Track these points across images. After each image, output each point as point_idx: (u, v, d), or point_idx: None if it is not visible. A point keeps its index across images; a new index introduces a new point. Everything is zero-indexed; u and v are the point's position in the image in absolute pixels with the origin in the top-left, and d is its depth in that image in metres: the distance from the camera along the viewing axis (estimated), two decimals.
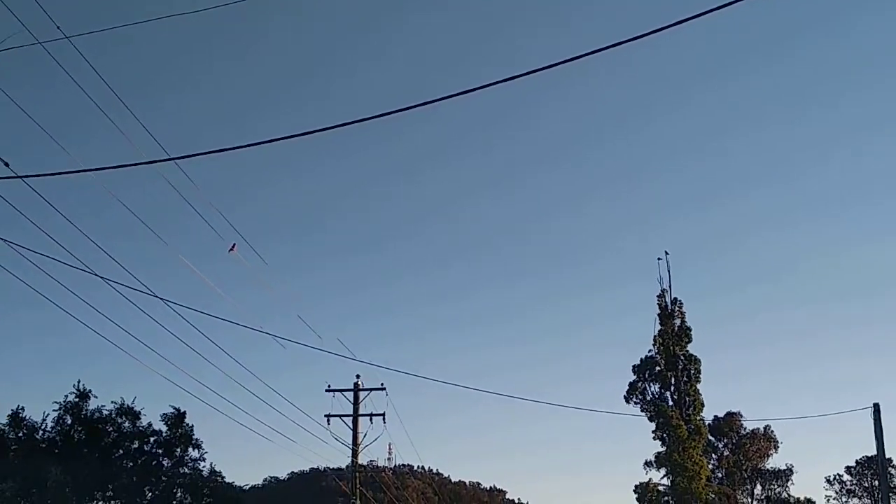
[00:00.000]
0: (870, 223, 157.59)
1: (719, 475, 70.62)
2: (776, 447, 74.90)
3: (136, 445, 44.11)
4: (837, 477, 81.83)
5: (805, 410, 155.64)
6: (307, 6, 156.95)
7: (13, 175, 15.04)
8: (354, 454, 37.49)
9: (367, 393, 37.72)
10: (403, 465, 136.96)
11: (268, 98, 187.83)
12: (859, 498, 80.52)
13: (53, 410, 42.66)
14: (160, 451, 44.53)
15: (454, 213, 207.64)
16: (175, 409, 44.75)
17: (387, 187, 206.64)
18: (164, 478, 44.58)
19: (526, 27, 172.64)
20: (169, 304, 21.15)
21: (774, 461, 75.95)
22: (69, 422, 42.63)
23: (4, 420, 42.06)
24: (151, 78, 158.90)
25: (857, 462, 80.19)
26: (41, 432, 42.40)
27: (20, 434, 41.89)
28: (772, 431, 74.42)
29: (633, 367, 47.38)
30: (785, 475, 75.88)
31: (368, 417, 37.44)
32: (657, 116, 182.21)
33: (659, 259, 47.54)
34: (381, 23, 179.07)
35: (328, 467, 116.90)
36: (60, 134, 17.60)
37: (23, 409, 42.73)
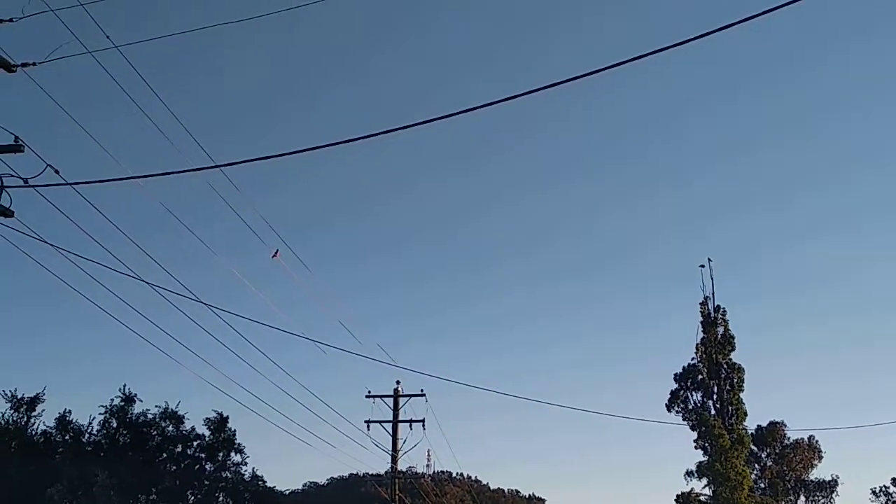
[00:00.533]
0: None
1: (762, 486, 69.62)
2: (820, 457, 73.72)
3: (179, 449, 44.74)
4: (884, 489, 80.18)
5: (851, 420, 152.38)
6: (337, 10, 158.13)
7: (64, 182, 15.41)
8: (394, 460, 37.55)
9: (406, 399, 37.84)
10: (442, 471, 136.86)
11: (293, 98, 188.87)
12: None
13: (100, 414, 43.42)
14: (203, 455, 45.11)
15: (494, 213, 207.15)
16: (218, 413, 45.33)
17: (424, 184, 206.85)
18: (206, 482, 45.16)
19: (564, 27, 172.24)
20: (211, 307, 21.41)
21: (819, 472, 74.73)
22: (115, 425, 43.33)
23: (52, 423, 42.86)
24: (184, 73, 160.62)
25: None
26: (87, 436, 43.13)
27: (67, 437, 42.65)
28: (816, 441, 73.25)
29: (675, 375, 46.97)
30: (830, 486, 74.57)
31: (408, 424, 37.54)
32: (701, 120, 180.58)
33: (702, 266, 47.08)
34: (409, 22, 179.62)
35: (367, 473, 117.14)
36: (91, 126, 17.91)
37: (70, 412, 43.52)
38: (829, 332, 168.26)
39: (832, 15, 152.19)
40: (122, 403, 43.46)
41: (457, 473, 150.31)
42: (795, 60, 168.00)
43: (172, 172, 14.24)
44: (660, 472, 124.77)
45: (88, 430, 43.12)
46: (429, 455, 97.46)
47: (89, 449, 42.27)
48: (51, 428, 42.56)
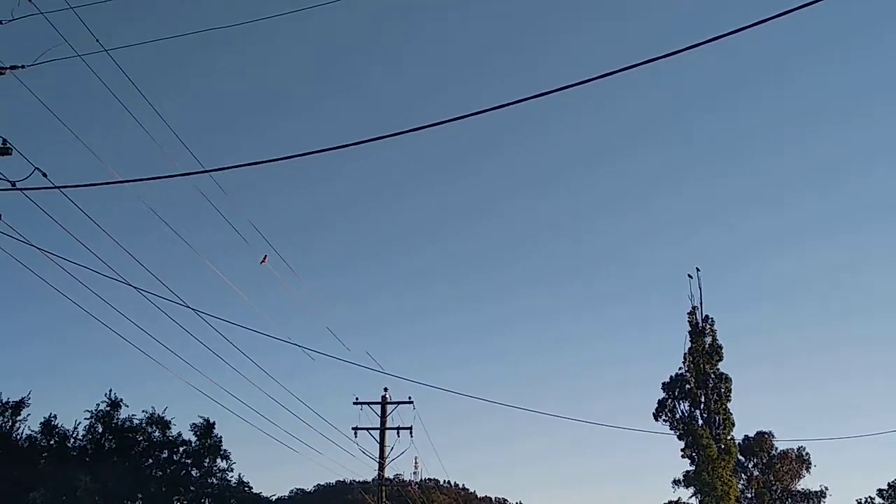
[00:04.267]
0: None
1: (749, 496, 69.73)
2: (808, 468, 73.90)
3: (165, 455, 44.55)
4: (869, 500, 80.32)
5: (839, 431, 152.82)
6: (329, 14, 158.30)
7: (52, 185, 15.33)
8: (381, 467, 37.49)
9: (394, 406, 37.79)
10: (429, 479, 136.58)
11: (283, 103, 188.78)
12: None
13: (85, 419, 43.20)
14: (189, 461, 44.90)
15: (481, 219, 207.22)
16: (204, 419, 45.13)
17: (413, 190, 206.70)
18: (192, 487, 44.96)
19: (555, 32, 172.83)
20: (199, 312, 21.34)
21: (806, 482, 74.89)
22: (100, 430, 43.12)
23: (37, 428, 42.63)
24: (174, 78, 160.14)
25: (889, 485, 78.68)
26: (72, 440, 42.90)
27: (52, 442, 42.43)
28: (805, 452, 73.45)
29: (663, 384, 47.04)
30: (817, 497, 74.74)
31: (395, 431, 37.49)
32: (689, 127, 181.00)
33: (690, 276, 47.20)
34: (398, 31, 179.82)
35: (354, 480, 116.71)
36: (80, 130, 17.85)
37: (55, 417, 43.31)
38: (816, 340, 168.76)
39: (814, 24, 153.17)
40: (108, 408, 43.26)
41: (444, 481, 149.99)
42: (786, 68, 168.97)
43: (160, 177, 14.22)
44: (647, 480, 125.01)
45: (73, 435, 42.92)
46: (416, 462, 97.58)
47: (74, 454, 42.03)
48: (35, 432, 42.37)
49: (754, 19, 10.17)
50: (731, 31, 10.38)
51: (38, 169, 14.92)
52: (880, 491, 79.10)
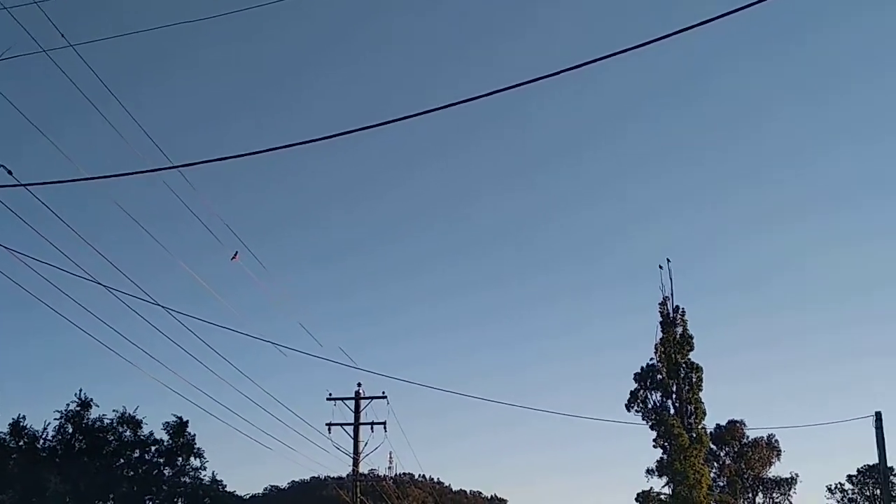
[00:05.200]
0: (880, 219, 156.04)
1: (721, 484, 70.49)
2: (778, 455, 74.81)
3: (137, 454, 44.12)
4: (839, 486, 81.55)
5: (809, 418, 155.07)
6: (305, 8, 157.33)
7: (17, 183, 15.07)
8: (355, 463, 37.41)
9: (368, 401, 37.70)
10: (404, 473, 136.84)
11: (257, 98, 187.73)
12: None
13: (55, 419, 42.69)
14: (161, 459, 44.50)
15: (451, 213, 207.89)
16: (177, 417, 44.73)
17: (383, 186, 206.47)
18: (164, 486, 44.58)
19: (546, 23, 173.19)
20: (170, 311, 21.15)
21: (777, 470, 75.82)
22: (70, 431, 42.61)
23: (5, 429, 42.08)
24: (142, 76, 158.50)
25: (858, 471, 79.92)
26: (42, 441, 42.39)
27: (21, 443, 41.90)
28: (775, 440, 74.34)
29: (635, 375, 47.31)
30: (787, 484, 75.72)
31: (369, 426, 37.41)
32: (657, 116, 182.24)
33: (660, 267, 47.48)
34: (385, 19, 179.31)
35: (329, 476, 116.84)
36: (48, 128, 17.60)
37: (24, 417, 42.78)
38: (787, 325, 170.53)
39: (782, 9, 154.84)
40: (78, 409, 42.76)
41: (419, 475, 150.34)
42: (746, 59, 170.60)
43: (127, 174, 14.02)
44: (620, 470, 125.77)
45: (43, 436, 42.38)
46: (391, 457, 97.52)
47: (44, 455, 41.52)
48: (4, 434, 41.76)
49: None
50: (704, 20, 10.44)
51: (2, 166, 14.68)
52: (850, 477, 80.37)
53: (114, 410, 43.80)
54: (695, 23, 10.50)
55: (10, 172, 14.80)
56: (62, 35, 15.36)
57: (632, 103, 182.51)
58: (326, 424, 36.98)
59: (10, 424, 42.05)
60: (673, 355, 46.17)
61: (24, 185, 15.34)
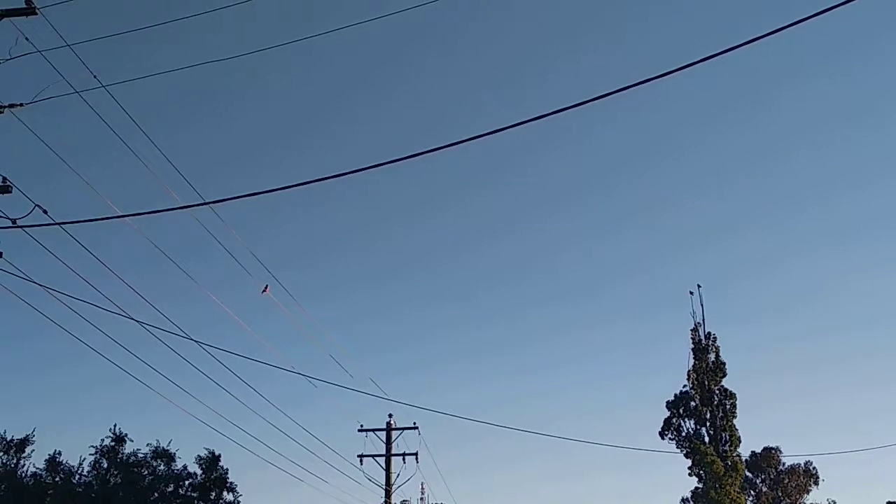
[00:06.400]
0: None
1: None
2: (816, 482, 73.51)
3: (171, 488, 44.25)
4: None
5: (847, 444, 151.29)
6: (328, 48, 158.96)
7: (52, 222, 15.45)
8: (387, 494, 37.32)
9: (399, 432, 37.69)
10: None
11: (289, 134, 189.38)
12: None
13: (90, 454, 42.99)
14: (195, 494, 44.61)
15: (482, 243, 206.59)
16: (210, 451, 44.87)
17: (413, 217, 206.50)
18: None
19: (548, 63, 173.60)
20: (202, 344, 21.39)
21: (815, 497, 74.44)
22: (105, 465, 42.89)
23: (42, 465, 42.44)
24: (171, 113, 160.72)
25: None
26: (78, 476, 42.69)
27: (57, 479, 42.20)
28: (812, 467, 73.09)
29: (668, 402, 46.97)
30: None
31: (401, 457, 37.39)
32: (686, 147, 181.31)
33: (691, 293, 47.28)
34: (409, 58, 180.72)
35: None
36: (80, 163, 17.99)
37: (59, 453, 43.12)
38: (822, 352, 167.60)
39: (810, 41, 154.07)
40: (113, 443, 43.07)
41: None
42: (780, 87, 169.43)
43: (159, 211, 14.33)
44: (656, 499, 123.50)
45: (79, 472, 42.68)
46: (423, 488, 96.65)
47: (80, 490, 41.78)
48: (41, 470, 42.09)
49: (761, 31, 10.35)
50: (733, 45, 10.53)
51: (38, 206, 15.04)
52: (889, 503, 78.62)
53: (147, 444, 44.07)
54: (738, 43, 10.56)
55: (45, 212, 15.17)
56: (94, 76, 15.79)
57: (659, 135, 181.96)
58: (358, 456, 37.01)
59: (46, 460, 42.42)
60: (706, 382, 45.82)
61: (59, 224, 15.72)
